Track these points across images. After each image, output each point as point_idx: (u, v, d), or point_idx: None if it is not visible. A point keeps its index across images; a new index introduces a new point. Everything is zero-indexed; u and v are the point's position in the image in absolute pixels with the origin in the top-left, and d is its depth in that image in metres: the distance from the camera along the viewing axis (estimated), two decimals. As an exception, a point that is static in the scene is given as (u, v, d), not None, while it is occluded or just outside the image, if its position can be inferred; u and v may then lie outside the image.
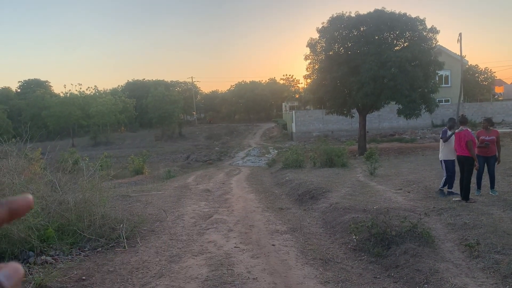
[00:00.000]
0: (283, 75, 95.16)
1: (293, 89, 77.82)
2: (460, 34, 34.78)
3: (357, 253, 6.03)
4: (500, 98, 57.16)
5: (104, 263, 5.69)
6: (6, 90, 68.39)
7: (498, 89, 60.57)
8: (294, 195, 11.29)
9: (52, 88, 72.96)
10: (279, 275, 5.12)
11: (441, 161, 9.41)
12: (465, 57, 39.48)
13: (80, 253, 6.15)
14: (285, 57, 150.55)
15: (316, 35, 23.84)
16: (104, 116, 51.90)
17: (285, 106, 61.96)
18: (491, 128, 9.35)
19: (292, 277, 5.05)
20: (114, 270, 5.41)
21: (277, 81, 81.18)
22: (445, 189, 9.32)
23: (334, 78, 22.59)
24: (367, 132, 27.08)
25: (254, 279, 4.99)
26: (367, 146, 24.69)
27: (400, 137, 33.02)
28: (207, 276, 5.09)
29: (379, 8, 22.71)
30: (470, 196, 8.56)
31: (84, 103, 54.50)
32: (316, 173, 14.90)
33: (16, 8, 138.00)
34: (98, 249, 6.31)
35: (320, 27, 23.40)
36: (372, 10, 22.74)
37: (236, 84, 79.93)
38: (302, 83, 66.41)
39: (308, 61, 24.73)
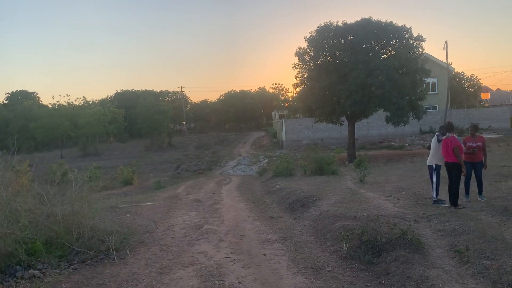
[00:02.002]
0: (273, 84, 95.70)
1: (282, 97, 78.26)
2: (446, 42, 35.37)
3: (348, 261, 6.03)
4: (486, 105, 58.01)
5: (93, 276, 5.61)
6: (-7, 101, 67.71)
7: (484, 96, 61.50)
8: (285, 204, 11.29)
9: (40, 99, 72.53)
10: (270, 285, 5.10)
11: (431, 165, 9.31)
12: (451, 64, 40.07)
13: (68, 266, 6.06)
14: (274, 66, 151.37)
15: (304, 44, 24.05)
16: (93, 127, 51.58)
17: (275, 114, 62.21)
18: (477, 134, 9.47)
19: (283, 287, 5.03)
20: (103, 283, 5.34)
21: (267, 90, 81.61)
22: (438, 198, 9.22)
23: (323, 86, 22.75)
24: (356, 139, 27.24)
25: (245, 289, 4.96)
26: (357, 153, 24.85)
27: (389, 144, 33.28)
28: (198, 287, 5.05)
29: (366, 17, 23.01)
30: (459, 202, 8.64)
31: (73, 114, 54.14)
32: (306, 181, 14.92)
33: (3, 19, 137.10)
34: (87, 262, 6.23)
35: (308, 36, 23.61)
36: (359, 19, 23.04)
37: (225, 93, 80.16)
38: (291, 91, 66.84)
39: (297, 70, 24.89)
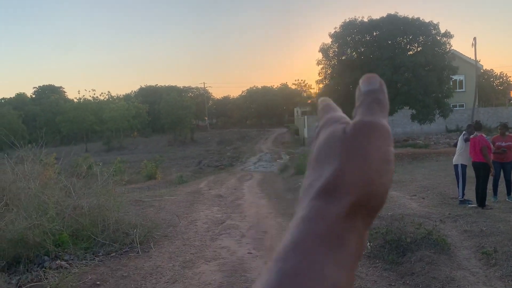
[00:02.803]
0: (295, 80, 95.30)
1: (305, 94, 77.75)
2: (474, 39, 34.37)
3: (371, 260, 5.96)
4: (515, 103, 56.35)
5: (118, 268, 5.71)
6: (21, 95, 69.55)
7: (513, 94, 59.70)
8: (307, 201, 11.22)
9: (66, 93, 73.99)
10: (293, 281, 5.09)
11: (456, 165, 9.12)
12: (479, 61, 39.03)
13: (94, 258, 6.18)
14: (297, 62, 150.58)
15: (328, 40, 23.85)
16: (117, 122, 52.37)
17: (297, 111, 61.91)
18: (507, 133, 9.21)
19: (306, 284, 5.01)
20: (128, 275, 5.43)
21: (289, 86, 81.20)
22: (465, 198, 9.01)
23: (347, 83, 22.52)
24: (380, 137, 26.85)
25: (267, 285, 4.96)
26: (380, 151, 24.50)
27: (413, 143, 32.64)
28: (220, 282, 5.07)
29: (392, 13, 22.65)
30: (486, 203, 8.43)
31: (98, 108, 55.07)
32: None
33: (31, 15, 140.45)
34: (112, 254, 6.34)
35: (332, 32, 23.41)
36: (384, 15, 22.70)
37: (247, 89, 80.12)
38: (314, 88, 66.26)
39: (321, 66, 24.73)
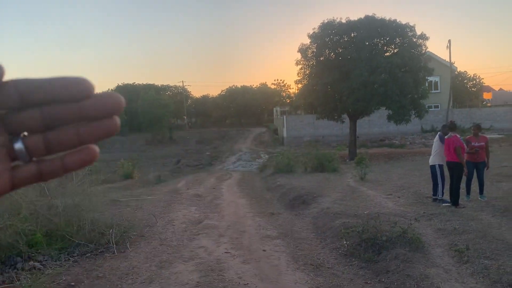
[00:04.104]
0: (274, 80, 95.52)
1: (284, 94, 78.05)
2: (449, 41, 35.30)
3: (348, 258, 6.03)
4: (488, 105, 57.83)
5: (93, 269, 5.62)
6: (-5, 93, 67.73)
7: (486, 95, 61.31)
8: (285, 200, 11.28)
9: (41, 91, 72.25)
10: (270, 280, 5.11)
11: (434, 165, 9.31)
12: (454, 63, 39.96)
13: (68, 259, 6.07)
14: (276, 62, 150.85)
15: (307, 41, 23.93)
16: (94, 120, 51.55)
17: (276, 111, 62.09)
18: (480, 134, 9.44)
19: (283, 283, 5.03)
20: (103, 276, 5.35)
21: (269, 86, 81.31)
22: (444, 197, 9.17)
23: (325, 83, 22.68)
24: (358, 137, 27.21)
25: (245, 285, 4.97)
26: (358, 151, 24.81)
27: (390, 143, 33.21)
28: (197, 282, 5.05)
29: (370, 14, 22.89)
30: (460, 202, 8.63)
31: (74, 106, 54.08)
32: (307, 178, 14.92)
33: (3, 11, 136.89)
34: (87, 255, 6.24)
35: (311, 33, 23.51)
36: (362, 16, 22.93)
37: (227, 88, 79.88)
38: (293, 88, 66.64)
39: (299, 66, 24.82)
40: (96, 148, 0.43)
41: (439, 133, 9.50)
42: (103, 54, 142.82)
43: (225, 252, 6.37)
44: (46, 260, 5.88)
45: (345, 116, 25.27)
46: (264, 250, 6.45)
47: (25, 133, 0.42)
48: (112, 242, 6.59)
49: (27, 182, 0.43)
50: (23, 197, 6.64)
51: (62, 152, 0.42)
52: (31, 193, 7.05)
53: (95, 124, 0.41)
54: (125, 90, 69.44)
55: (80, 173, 8.20)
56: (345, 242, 6.43)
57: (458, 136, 8.79)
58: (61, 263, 5.87)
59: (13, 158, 0.42)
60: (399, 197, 10.20)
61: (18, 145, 0.41)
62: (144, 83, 72.18)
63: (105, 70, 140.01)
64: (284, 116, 40.27)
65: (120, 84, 73.94)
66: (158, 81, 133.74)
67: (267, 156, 30.91)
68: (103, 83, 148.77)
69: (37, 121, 0.40)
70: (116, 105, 0.41)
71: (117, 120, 0.42)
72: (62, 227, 6.60)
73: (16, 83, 0.40)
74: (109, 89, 73.20)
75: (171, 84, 76.27)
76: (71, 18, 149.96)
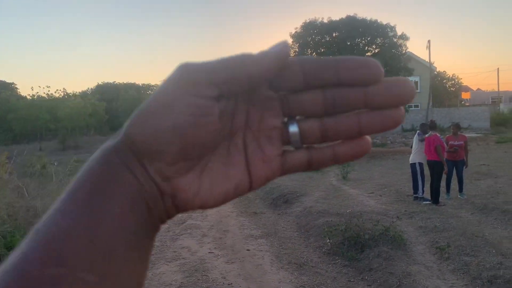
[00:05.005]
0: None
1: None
2: (429, 41, 35.87)
3: (331, 256, 6.07)
4: (466, 104, 59.04)
5: (74, 271, 5.53)
6: (-30, 92, 66.04)
7: (464, 95, 62.59)
8: (268, 199, 11.29)
9: (18, 90, 70.96)
10: (254, 280, 5.10)
11: (414, 164, 9.45)
12: (433, 63, 40.64)
13: (48, 261, 5.96)
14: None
15: (289, 40, 24.07)
16: (73, 120, 50.78)
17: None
18: (459, 133, 9.62)
19: (267, 282, 5.03)
20: (84, 278, 5.27)
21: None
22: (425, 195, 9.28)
23: (307, 83, 22.82)
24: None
25: (229, 284, 4.95)
26: (340, 150, 25.01)
27: (371, 142, 33.55)
28: (181, 283, 5.01)
29: (351, 14, 23.14)
30: (440, 200, 8.77)
31: (52, 106, 53.13)
32: (290, 177, 14.95)
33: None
34: (67, 257, 6.13)
35: (293, 32, 23.64)
36: (344, 16, 23.15)
37: (210, 87, 79.59)
38: (275, 87, 66.68)
39: (282, 66, 24.92)
40: (370, 140, 0.39)
41: (418, 131, 9.65)
42: (82, 53, 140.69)
43: (209, 252, 6.33)
44: (25, 263, 5.76)
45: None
46: (247, 250, 6.44)
47: (298, 117, 0.38)
48: (94, 244, 6.49)
49: (296, 169, 0.41)
50: (1, 198, 6.49)
51: (333, 141, 0.39)
52: (10, 194, 6.90)
53: (378, 113, 0.36)
54: (105, 89, 68.59)
55: (59, 173, 8.07)
56: (328, 241, 6.47)
57: (438, 135, 8.93)
58: (40, 265, 5.76)
59: (285, 142, 0.39)
60: (381, 196, 10.31)
61: (294, 129, 0.38)
62: (125, 82, 71.41)
63: (84, 68, 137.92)
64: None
65: (100, 83, 72.99)
66: (139, 80, 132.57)
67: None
68: (83, 82, 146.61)
69: (317, 105, 0.37)
70: (407, 94, 0.36)
71: (403, 111, 0.37)
72: (41, 228, 6.47)
73: (302, 62, 0.36)
74: (89, 88, 72.24)
75: (152, 83, 75.51)
76: (48, 15, 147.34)
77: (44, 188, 7.59)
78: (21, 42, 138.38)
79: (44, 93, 57.56)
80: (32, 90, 79.42)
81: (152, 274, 5.36)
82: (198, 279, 5.10)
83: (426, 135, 9.07)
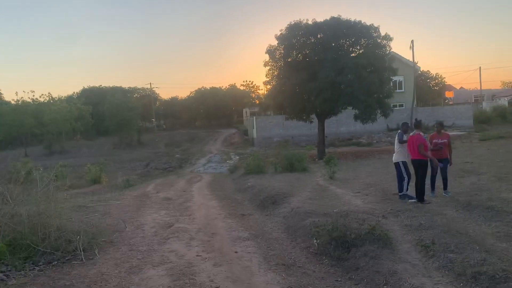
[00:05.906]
0: (244, 81, 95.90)
1: (253, 95, 78.23)
2: (412, 41, 36.34)
3: (318, 257, 6.10)
4: (450, 103, 59.78)
5: (60, 278, 5.46)
6: (-48, 98, 64.78)
7: (448, 94, 63.35)
8: (256, 201, 11.31)
9: (2, 95, 69.89)
10: (242, 282, 5.10)
11: (397, 163, 9.58)
12: (417, 63, 41.15)
13: (34, 268, 5.87)
14: (245, 64, 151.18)
15: (275, 42, 24.09)
16: (59, 124, 50.16)
17: (246, 112, 62.19)
18: (443, 131, 9.75)
19: (255, 284, 5.04)
20: (71, 285, 5.21)
21: (238, 87, 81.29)
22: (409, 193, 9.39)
23: (293, 84, 22.89)
24: (326, 136, 27.58)
25: (216, 287, 4.95)
26: (326, 150, 25.18)
27: (357, 141, 33.87)
28: (168, 287, 4.99)
29: (336, 15, 23.30)
30: (425, 198, 8.87)
31: (38, 111, 52.40)
32: (277, 178, 15.00)
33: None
34: (53, 263, 6.05)
35: (278, 34, 23.68)
36: (328, 17, 23.28)
37: (196, 90, 79.46)
38: (262, 89, 66.78)
39: (268, 67, 24.96)
40: None
41: (399, 131, 9.76)
42: (68, 57, 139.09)
43: (197, 255, 6.32)
44: (10, 270, 5.67)
45: (313, 116, 25.59)
46: (235, 252, 6.44)
47: None
48: (80, 249, 6.42)
49: None
50: (-16, 205, 6.39)
51: None
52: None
53: None
54: (91, 93, 67.93)
55: (44, 179, 7.96)
56: (315, 241, 6.50)
57: (421, 133, 9.03)
58: (25, 272, 5.67)
59: None
60: (367, 195, 10.40)
61: None
62: (111, 85, 70.76)
63: (70, 73, 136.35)
64: (254, 117, 40.34)
65: (86, 87, 72.30)
66: (125, 84, 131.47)
67: (237, 157, 30.89)
68: (68, 86, 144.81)
69: None
70: None
71: None
72: (26, 235, 6.37)
73: None
74: (74, 92, 71.37)
75: (139, 86, 74.98)
76: (33, 19, 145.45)
77: (28, 194, 7.48)
78: (4, 47, 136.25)
79: (29, 98, 56.64)
80: (17, 95, 77.86)
81: (139, 279, 5.32)
82: (186, 283, 5.08)
83: (411, 134, 9.17)
